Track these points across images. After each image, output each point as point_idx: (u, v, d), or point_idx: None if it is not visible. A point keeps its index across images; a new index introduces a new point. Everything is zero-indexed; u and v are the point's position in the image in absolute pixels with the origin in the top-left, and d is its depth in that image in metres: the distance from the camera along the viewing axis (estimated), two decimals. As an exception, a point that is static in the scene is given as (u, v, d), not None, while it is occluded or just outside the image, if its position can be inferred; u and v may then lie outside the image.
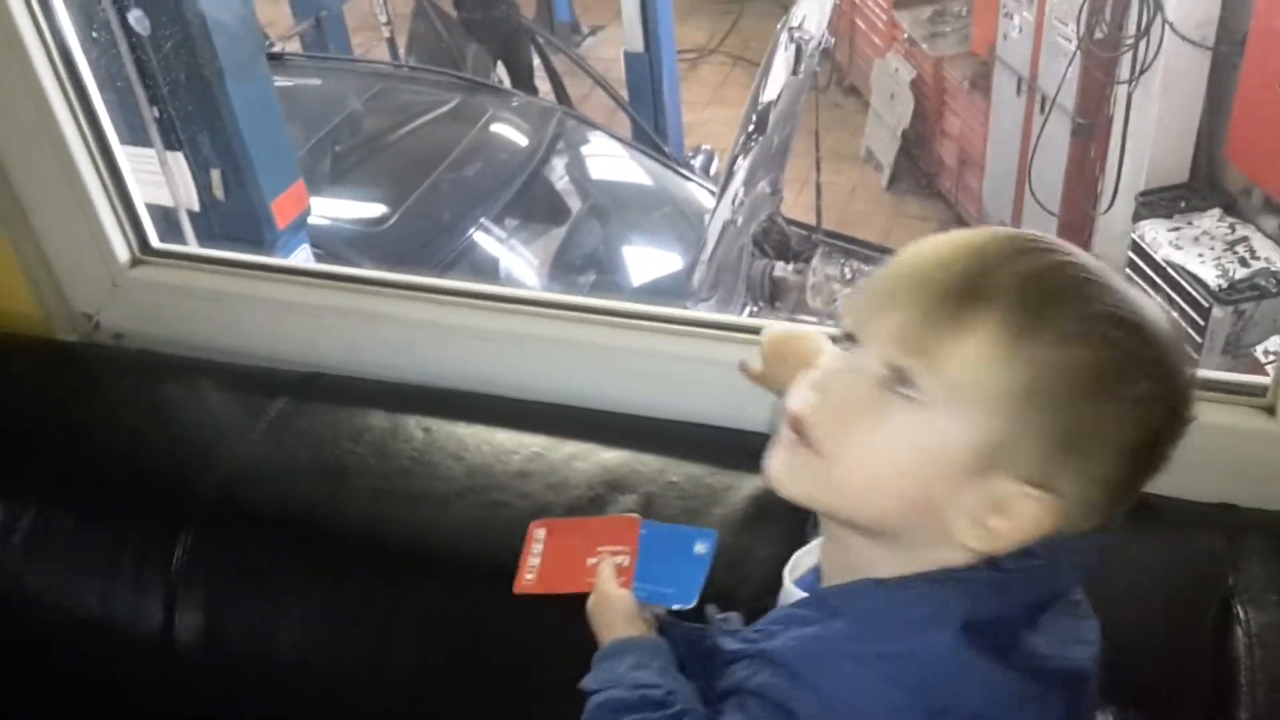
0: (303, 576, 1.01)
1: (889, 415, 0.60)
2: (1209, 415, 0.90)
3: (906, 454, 0.61)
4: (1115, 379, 0.58)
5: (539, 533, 0.92)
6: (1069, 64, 4.45)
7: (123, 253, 1.22)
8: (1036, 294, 0.58)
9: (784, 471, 0.65)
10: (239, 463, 1.07)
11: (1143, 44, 4.17)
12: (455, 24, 4.86)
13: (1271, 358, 2.93)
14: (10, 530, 1.08)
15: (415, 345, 1.14)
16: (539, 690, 0.90)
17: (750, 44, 5.91)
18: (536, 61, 5.00)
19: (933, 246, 0.63)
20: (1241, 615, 0.81)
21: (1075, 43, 4.45)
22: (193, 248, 1.36)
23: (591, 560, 0.87)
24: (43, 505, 1.10)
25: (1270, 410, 0.90)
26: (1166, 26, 3.97)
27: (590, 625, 0.82)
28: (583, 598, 0.83)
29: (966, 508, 0.60)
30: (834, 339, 0.66)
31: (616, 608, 0.81)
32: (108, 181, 1.18)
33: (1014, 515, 0.59)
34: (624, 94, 4.49)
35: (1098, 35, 4.38)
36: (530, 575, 0.90)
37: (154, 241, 1.23)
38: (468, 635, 0.94)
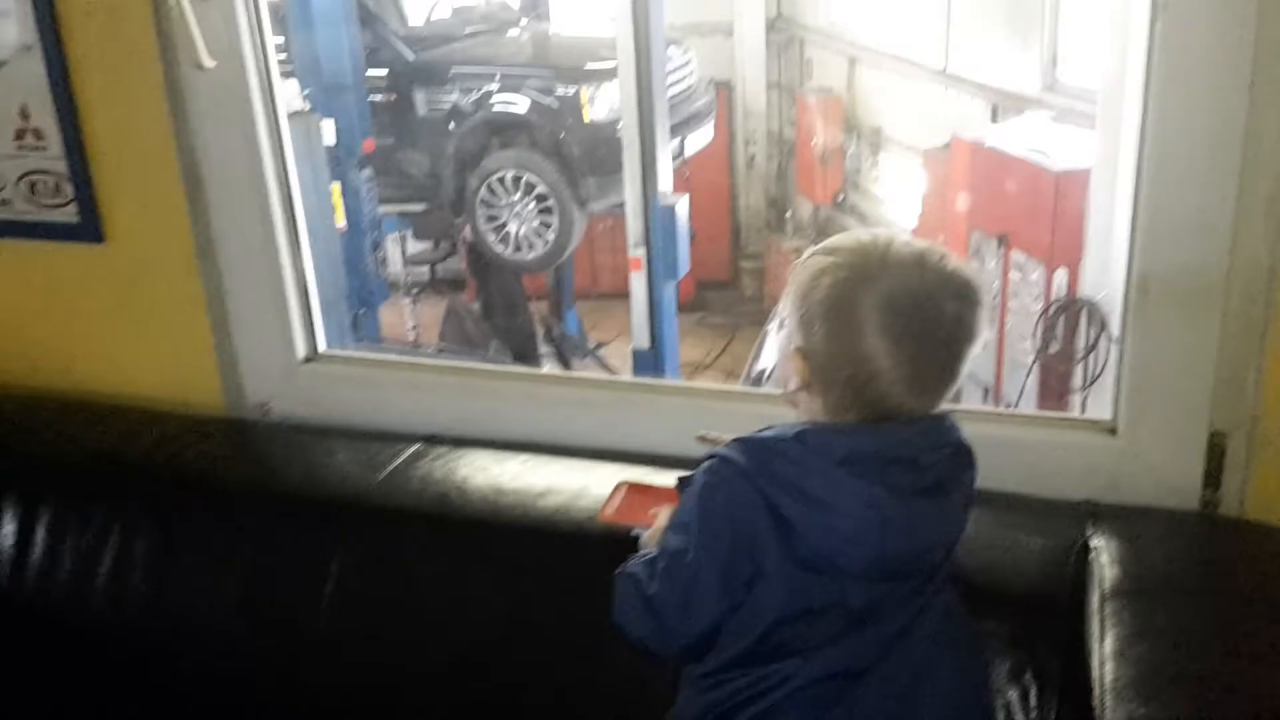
0: (437, 560, 1.42)
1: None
2: (1069, 438, 1.37)
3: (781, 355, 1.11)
4: (814, 282, 1.05)
5: (623, 488, 1.35)
6: (1027, 375, 5.08)
7: (301, 351, 1.70)
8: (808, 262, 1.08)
9: None
10: (380, 485, 1.51)
11: (1092, 356, 4.82)
12: (481, 323, 5.59)
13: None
14: (206, 549, 1.52)
15: (508, 412, 1.61)
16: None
17: (740, 363, 6.64)
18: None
19: None
20: (1094, 543, 1.24)
21: (1033, 356, 5.10)
22: (349, 351, 1.83)
23: (654, 510, 1.29)
24: (231, 534, 1.52)
25: (1113, 431, 1.36)
26: (1111, 341, 4.61)
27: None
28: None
29: (790, 372, 1.07)
30: None
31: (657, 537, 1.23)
32: (302, 291, 1.69)
33: (795, 367, 1.06)
34: (631, 385, 5.11)
35: (1052, 350, 5.04)
36: (610, 510, 1.33)
37: (320, 346, 1.72)
38: (556, 581, 1.35)
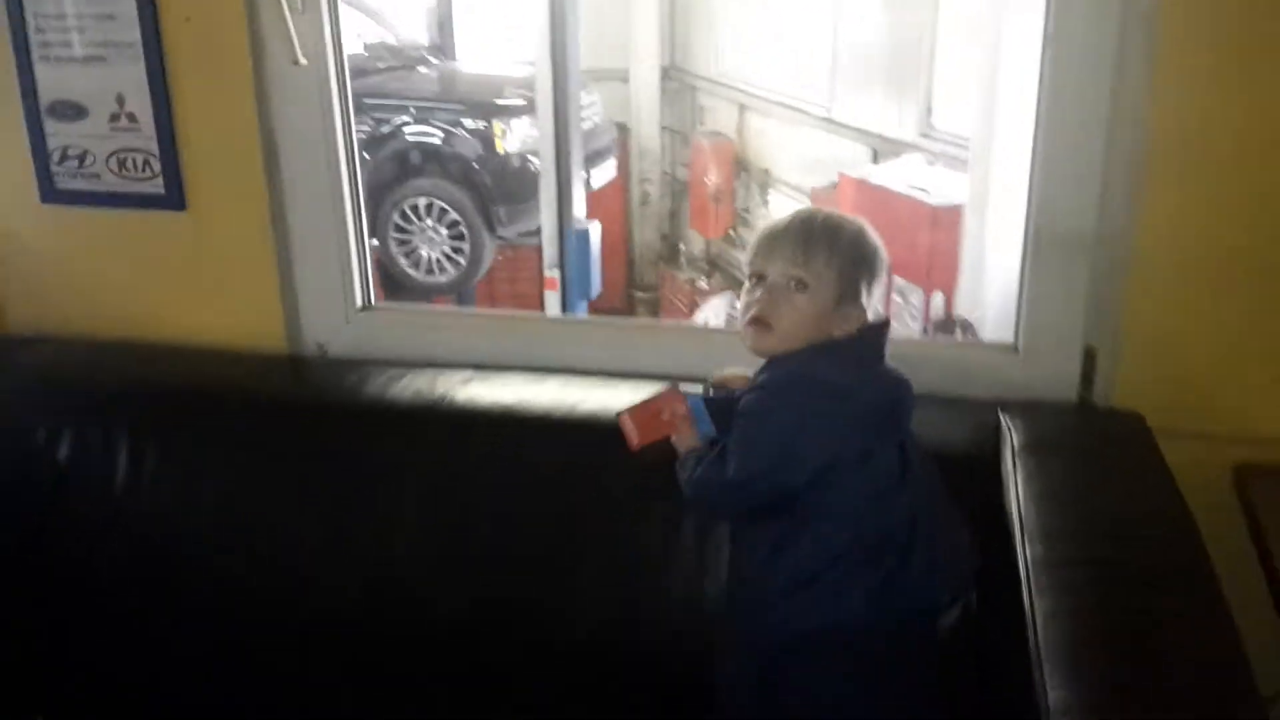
0: (503, 458, 1.81)
1: (799, 300, 1.51)
2: (982, 356, 1.86)
3: (813, 312, 1.51)
4: (871, 248, 1.49)
5: (625, 418, 1.73)
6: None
7: (359, 300, 2.09)
8: (828, 226, 1.51)
9: (759, 342, 1.54)
10: (444, 401, 1.89)
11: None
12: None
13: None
14: (297, 464, 1.88)
15: (537, 347, 2.04)
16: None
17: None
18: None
19: (785, 219, 1.55)
20: (1005, 423, 1.71)
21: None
22: (400, 303, 2.21)
23: (665, 416, 1.69)
24: (318, 448, 1.89)
25: (1015, 349, 1.85)
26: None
27: (675, 446, 1.65)
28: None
29: (840, 321, 1.49)
30: (750, 277, 1.54)
31: (687, 434, 1.65)
32: (361, 251, 2.07)
33: (856, 311, 1.49)
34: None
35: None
36: (636, 439, 1.72)
37: (371, 298, 2.11)
38: (605, 464, 1.76)
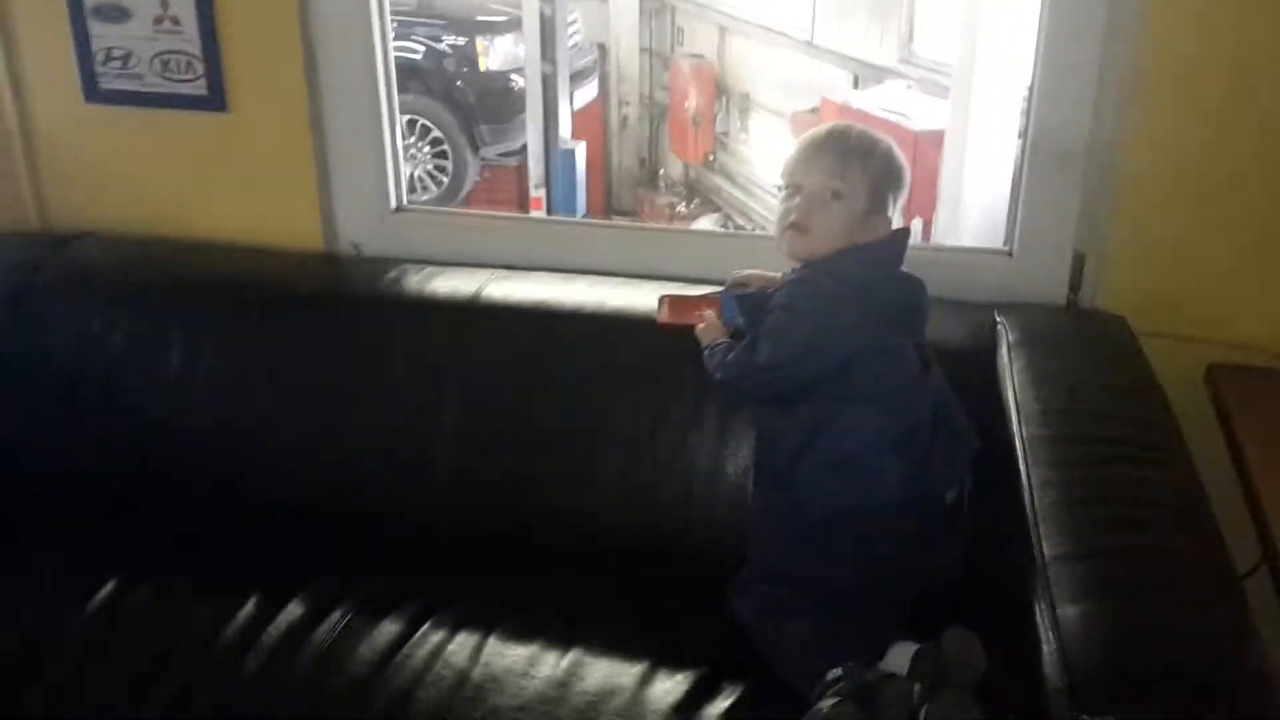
0: (542, 347, 1.98)
1: (834, 209, 1.69)
2: (979, 261, 2.05)
3: (846, 220, 1.69)
4: (900, 164, 1.70)
5: (665, 300, 1.91)
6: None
7: (393, 202, 2.23)
8: (862, 142, 1.69)
9: (796, 246, 1.72)
10: (482, 295, 2.05)
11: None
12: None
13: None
14: (348, 352, 2.04)
15: (560, 248, 2.20)
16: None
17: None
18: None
19: (822, 133, 1.73)
20: (1001, 322, 1.90)
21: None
22: (430, 207, 2.36)
23: (698, 312, 1.87)
24: (369, 340, 2.04)
25: (1009, 254, 2.03)
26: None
27: (699, 339, 1.82)
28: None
29: (868, 229, 1.68)
30: (786, 188, 1.73)
31: (713, 326, 1.82)
32: (396, 154, 2.21)
33: (872, 223, 1.68)
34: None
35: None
36: (664, 317, 1.90)
37: (404, 200, 2.26)
38: (617, 356, 1.93)
